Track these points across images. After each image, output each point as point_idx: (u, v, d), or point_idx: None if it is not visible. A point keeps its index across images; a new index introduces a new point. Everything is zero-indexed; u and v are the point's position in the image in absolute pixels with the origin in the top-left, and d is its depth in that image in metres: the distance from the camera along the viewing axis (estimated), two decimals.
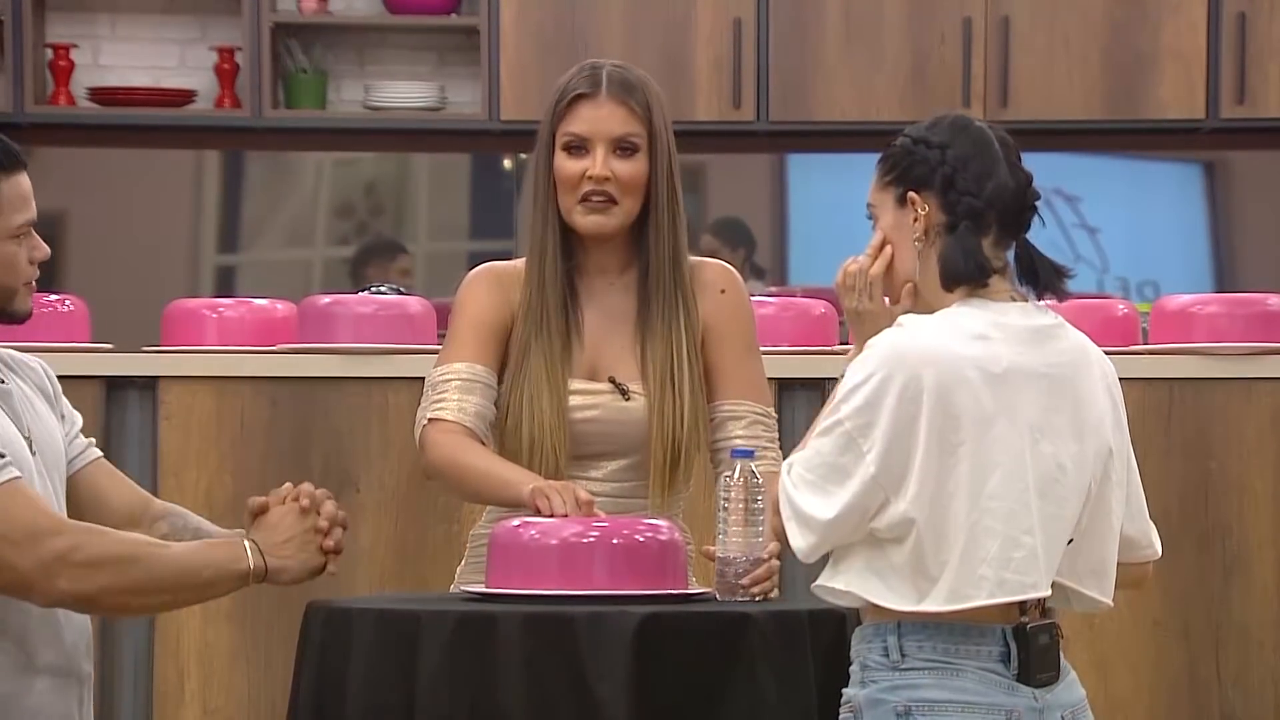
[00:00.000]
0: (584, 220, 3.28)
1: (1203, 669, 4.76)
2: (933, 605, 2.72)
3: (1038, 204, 2.84)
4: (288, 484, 3.00)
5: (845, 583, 2.77)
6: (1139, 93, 6.86)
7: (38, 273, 3.00)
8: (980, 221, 2.79)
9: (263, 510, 2.99)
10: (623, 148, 3.28)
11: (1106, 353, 5.08)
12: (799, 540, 2.75)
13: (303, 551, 2.95)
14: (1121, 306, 4.98)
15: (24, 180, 2.97)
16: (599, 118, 3.27)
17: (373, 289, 4.99)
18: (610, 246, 3.33)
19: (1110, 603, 2.84)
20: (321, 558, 2.96)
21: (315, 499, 2.97)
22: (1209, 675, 4.76)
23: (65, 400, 3.14)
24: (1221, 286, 7.19)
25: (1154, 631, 4.76)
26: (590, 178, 3.26)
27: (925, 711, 2.73)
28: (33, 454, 2.97)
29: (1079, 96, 6.85)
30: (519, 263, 3.37)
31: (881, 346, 2.76)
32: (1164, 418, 4.77)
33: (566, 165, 3.28)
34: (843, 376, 2.78)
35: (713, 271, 3.39)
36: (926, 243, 2.81)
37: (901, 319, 2.80)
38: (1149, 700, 4.75)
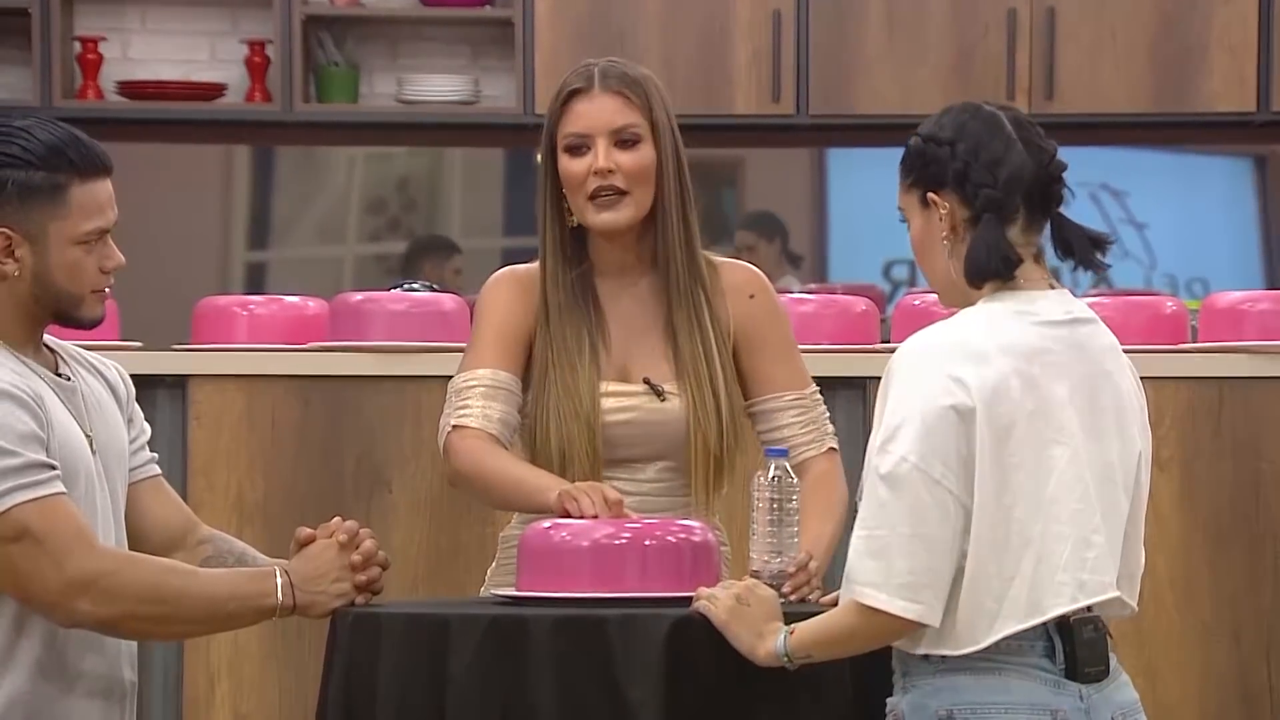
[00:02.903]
0: (597, 218, 3.28)
1: (1253, 674, 4.73)
2: (1011, 625, 2.68)
3: (1064, 176, 2.80)
4: (336, 518, 3.06)
5: (916, 645, 2.73)
6: (1188, 85, 6.84)
7: (110, 281, 3.01)
8: (1003, 210, 2.77)
9: (309, 541, 3.04)
10: (623, 139, 3.27)
11: (1153, 351, 5.06)
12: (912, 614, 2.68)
13: (335, 586, 3.00)
14: (1170, 304, 4.96)
15: (100, 187, 2.98)
16: (595, 111, 3.27)
17: (405, 286, 4.99)
18: (624, 243, 3.33)
19: (1136, 608, 2.82)
20: (354, 593, 3.01)
21: (355, 536, 3.02)
22: (1259, 681, 4.74)
23: (137, 407, 3.17)
24: (1273, 283, 7.16)
25: (1203, 636, 4.74)
26: (595, 173, 3.26)
27: (968, 715, 2.72)
28: (93, 453, 2.99)
29: (1126, 89, 6.83)
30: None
31: (913, 364, 2.73)
32: (1214, 418, 4.74)
33: (570, 166, 3.28)
34: (882, 400, 2.74)
35: (739, 275, 3.38)
36: (955, 240, 2.80)
37: (926, 331, 2.78)
38: (1198, 706, 4.73)
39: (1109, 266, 2.84)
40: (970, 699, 2.72)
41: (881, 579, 2.67)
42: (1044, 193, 2.79)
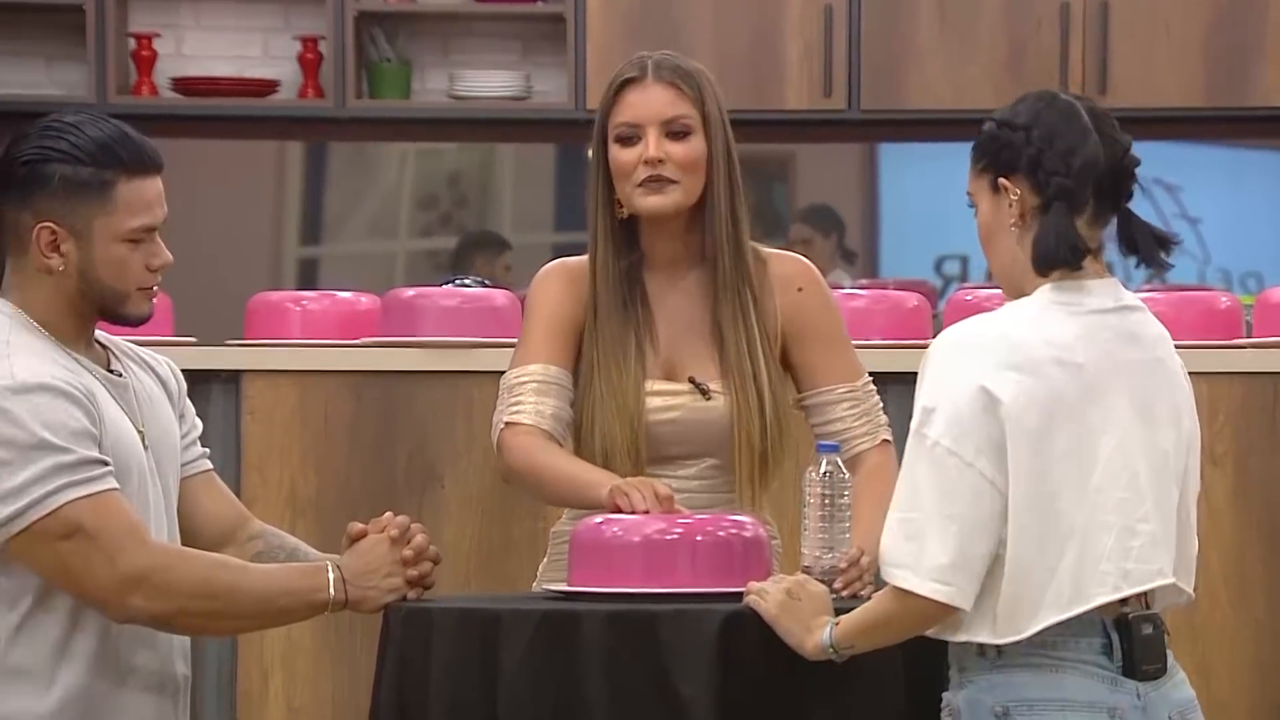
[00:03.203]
0: (644, 202, 3.28)
1: None
2: (1054, 615, 2.67)
3: (1137, 172, 2.80)
4: (388, 513, 3.06)
5: (955, 632, 2.72)
6: (1242, 79, 6.80)
7: (157, 279, 3.01)
8: (1074, 199, 2.76)
9: (360, 536, 3.04)
10: (674, 130, 3.27)
11: (1208, 346, 5.03)
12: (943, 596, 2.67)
13: (387, 581, 3.00)
14: (1224, 299, 4.93)
15: (147, 185, 2.97)
16: (647, 101, 3.27)
17: (457, 281, 5.00)
18: (672, 234, 3.32)
19: (1193, 595, 2.81)
20: (405, 588, 3.01)
21: (406, 530, 3.02)
22: None
23: (188, 402, 3.18)
24: None
25: (1257, 632, 4.71)
26: (645, 162, 3.26)
27: (1023, 711, 2.71)
28: (145, 448, 3.00)
29: (1180, 83, 6.80)
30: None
31: (949, 351, 2.73)
32: (1269, 413, 4.72)
33: (621, 155, 3.28)
34: (920, 387, 2.74)
35: (789, 266, 3.37)
36: (1024, 227, 2.78)
37: (966, 321, 2.77)
38: (1251, 703, 4.71)
39: (1172, 266, 2.82)
40: (1026, 695, 2.71)
41: (914, 561, 2.67)
42: (1115, 186, 2.78)
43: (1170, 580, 2.74)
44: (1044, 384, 2.70)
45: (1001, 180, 2.79)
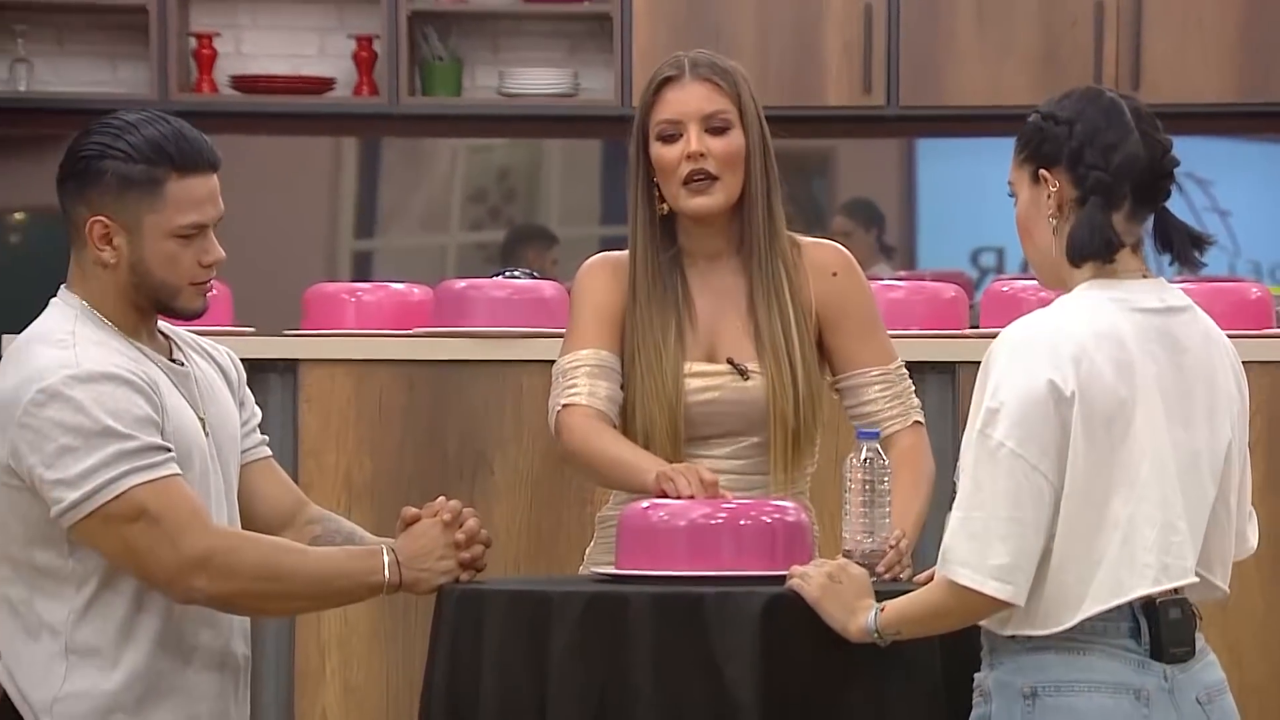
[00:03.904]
0: (689, 203, 3.30)
1: None
2: (1095, 607, 2.67)
3: (1175, 172, 2.79)
4: (440, 498, 3.07)
5: (1004, 625, 2.72)
6: (1274, 75, 6.76)
7: (211, 274, 3.01)
8: (1111, 195, 2.75)
9: (414, 520, 3.05)
10: (714, 126, 3.29)
11: (1238, 336, 5.01)
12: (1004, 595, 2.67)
13: (440, 563, 3.01)
14: (1255, 290, 4.91)
15: (199, 183, 2.97)
16: (686, 98, 3.29)
17: (506, 274, 5.01)
18: (713, 228, 3.34)
19: (1227, 590, 2.80)
20: (458, 570, 3.02)
21: (458, 515, 3.02)
22: None
23: (248, 391, 3.19)
24: None
25: None
26: (687, 157, 3.27)
27: (1051, 692, 2.70)
28: (206, 435, 3.01)
29: (1213, 79, 6.76)
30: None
31: (1013, 350, 2.72)
32: None
33: (664, 153, 3.30)
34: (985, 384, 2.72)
35: (824, 254, 3.39)
36: (1061, 218, 2.78)
37: (1027, 318, 2.76)
38: None
39: (1205, 265, 2.81)
40: (1054, 676, 2.70)
41: (977, 560, 2.66)
42: (1153, 185, 2.77)
43: (1195, 579, 2.72)
44: (1100, 379, 2.69)
45: (1042, 172, 2.78)
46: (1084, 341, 2.70)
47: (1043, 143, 2.78)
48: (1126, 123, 2.76)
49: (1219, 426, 2.77)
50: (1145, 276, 2.79)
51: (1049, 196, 2.78)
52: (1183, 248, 2.79)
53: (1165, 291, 2.79)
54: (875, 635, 2.76)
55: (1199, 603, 2.78)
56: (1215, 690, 2.77)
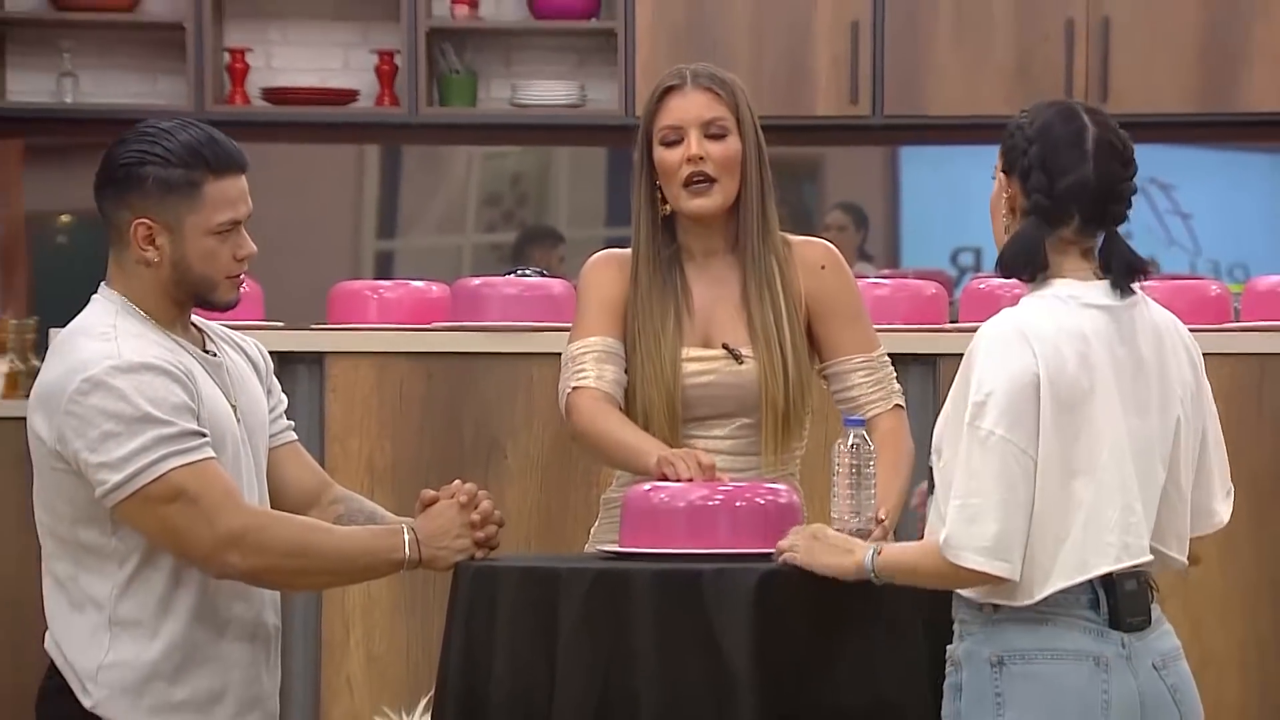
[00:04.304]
0: (690, 204, 3.31)
1: None
2: (1060, 582, 2.67)
3: (1130, 199, 2.77)
4: (457, 481, 3.07)
5: (982, 594, 2.72)
6: (1232, 88, 6.75)
7: (244, 267, 3.01)
8: (1049, 217, 2.74)
9: (432, 502, 3.05)
10: (712, 132, 3.30)
11: (1199, 330, 5.00)
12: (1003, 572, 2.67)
13: (457, 542, 3.01)
14: (1214, 287, 4.91)
15: (232, 183, 2.97)
16: (687, 105, 3.30)
17: (518, 272, 5.01)
18: (710, 229, 3.35)
19: (1186, 562, 2.79)
20: (473, 548, 3.01)
21: (474, 497, 3.02)
22: None
23: (275, 380, 3.18)
24: None
25: (1245, 591, 4.69)
26: (688, 160, 3.29)
27: (1017, 660, 2.70)
28: (238, 421, 3.01)
29: (1175, 91, 6.75)
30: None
31: (992, 345, 2.71)
32: (1256, 391, 4.69)
33: (666, 156, 3.31)
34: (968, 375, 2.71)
35: (814, 250, 3.41)
36: (1012, 220, 2.78)
37: (1000, 315, 2.75)
38: (1240, 655, 4.69)
39: (1134, 293, 2.78)
40: (1019, 646, 2.70)
41: (979, 544, 2.66)
42: (1103, 209, 2.76)
43: (1151, 559, 2.72)
44: (1065, 370, 2.69)
45: (1002, 174, 2.79)
46: (1050, 335, 2.70)
47: (1009, 150, 2.78)
48: (1084, 150, 2.74)
49: (1169, 412, 2.76)
50: (1097, 277, 2.77)
51: (1005, 198, 2.78)
52: (1119, 274, 2.76)
53: (1115, 289, 2.77)
54: (872, 574, 2.75)
55: (1159, 575, 2.78)
56: (1170, 657, 2.77)
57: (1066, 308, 2.73)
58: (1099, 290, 2.76)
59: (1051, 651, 2.69)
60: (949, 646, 2.78)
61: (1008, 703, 2.69)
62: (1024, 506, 2.66)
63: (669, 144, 3.31)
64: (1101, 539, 2.68)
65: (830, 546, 2.80)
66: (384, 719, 3.71)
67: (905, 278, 5.63)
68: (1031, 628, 2.70)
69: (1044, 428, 2.67)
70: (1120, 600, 2.71)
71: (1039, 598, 2.68)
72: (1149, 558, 2.72)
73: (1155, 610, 2.78)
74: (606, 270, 3.37)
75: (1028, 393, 2.67)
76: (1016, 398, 2.67)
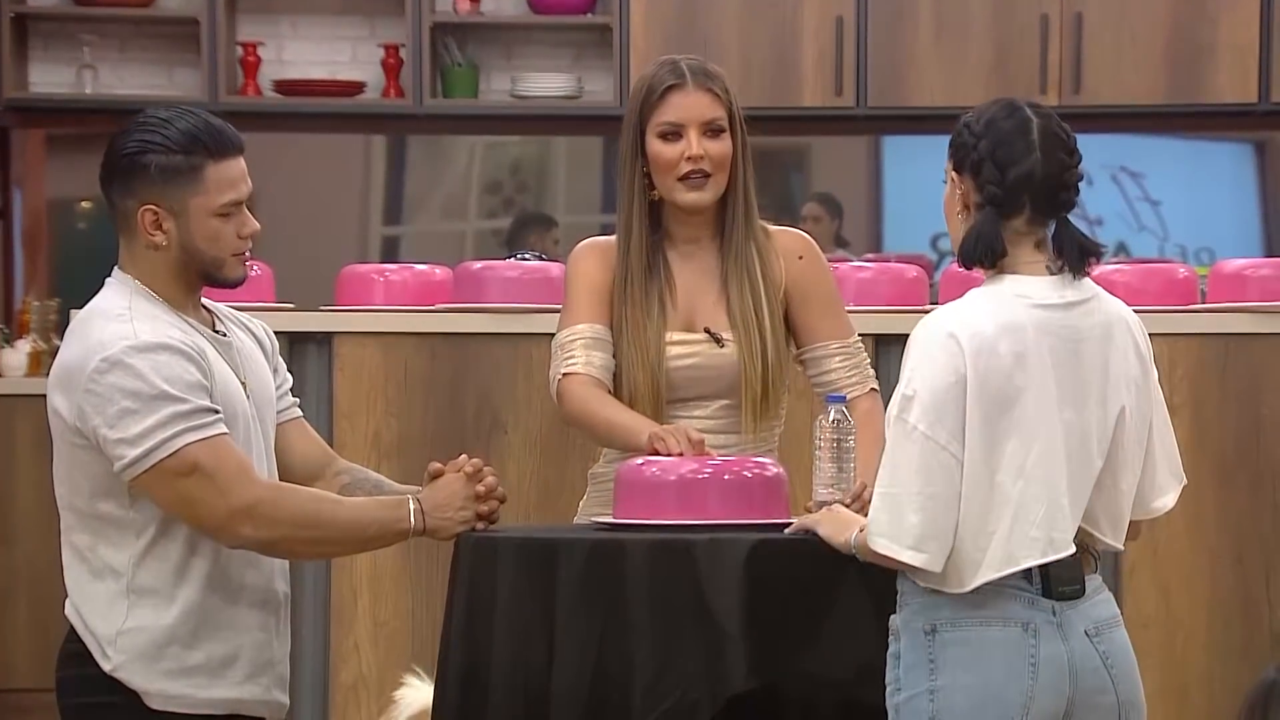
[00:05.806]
0: (685, 197, 3.30)
1: (1254, 592, 4.70)
2: (989, 574, 2.67)
3: (1078, 186, 2.75)
4: (463, 455, 3.06)
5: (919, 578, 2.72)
6: (1198, 80, 6.75)
7: (248, 244, 3.00)
8: (1003, 207, 2.73)
9: (439, 474, 3.04)
10: (711, 130, 3.29)
11: (1167, 311, 4.99)
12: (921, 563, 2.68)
13: (460, 513, 3.00)
14: (1182, 270, 4.90)
15: (232, 165, 2.96)
16: (689, 104, 3.29)
17: (518, 256, 4.99)
18: (699, 218, 3.35)
19: (1122, 547, 2.78)
20: (475, 519, 3.01)
21: (479, 470, 3.02)
22: (1259, 597, 4.70)
23: (280, 358, 3.17)
24: (1271, 251, 7.09)
25: (1210, 559, 4.70)
26: (688, 158, 3.28)
27: (948, 627, 2.70)
28: (247, 398, 3.00)
29: (1144, 83, 6.75)
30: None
31: (925, 341, 2.70)
32: (1220, 369, 4.69)
33: (664, 151, 3.29)
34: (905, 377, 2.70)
35: (791, 240, 3.40)
36: (966, 216, 2.77)
37: (939, 310, 2.74)
38: (1206, 619, 4.69)
39: (1088, 275, 2.77)
40: (950, 614, 2.71)
41: (894, 531, 2.68)
42: (1053, 197, 2.74)
43: (1075, 550, 2.70)
44: (999, 370, 2.68)
45: (952, 173, 2.77)
46: (987, 334, 2.69)
47: (958, 149, 2.77)
48: (1030, 141, 2.72)
49: (1111, 404, 2.74)
50: (1050, 272, 2.75)
51: (958, 195, 2.77)
52: (1071, 258, 2.74)
53: (1066, 287, 2.75)
54: (853, 550, 2.76)
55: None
56: (1105, 625, 2.76)
57: (1011, 305, 2.71)
58: (1048, 286, 2.74)
59: (981, 617, 2.69)
60: (891, 617, 2.77)
61: (940, 667, 2.69)
62: (944, 500, 2.66)
63: (667, 138, 3.30)
64: (1027, 534, 2.67)
65: (837, 519, 2.84)
66: (414, 676, 3.71)
67: (888, 261, 5.62)
68: (965, 596, 2.69)
69: (970, 428, 2.66)
70: (1051, 569, 2.70)
71: (970, 588, 2.69)
72: (1071, 550, 2.70)
73: (1094, 580, 2.77)
74: (592, 258, 3.35)
75: (953, 393, 2.66)
76: (941, 397, 2.66)
